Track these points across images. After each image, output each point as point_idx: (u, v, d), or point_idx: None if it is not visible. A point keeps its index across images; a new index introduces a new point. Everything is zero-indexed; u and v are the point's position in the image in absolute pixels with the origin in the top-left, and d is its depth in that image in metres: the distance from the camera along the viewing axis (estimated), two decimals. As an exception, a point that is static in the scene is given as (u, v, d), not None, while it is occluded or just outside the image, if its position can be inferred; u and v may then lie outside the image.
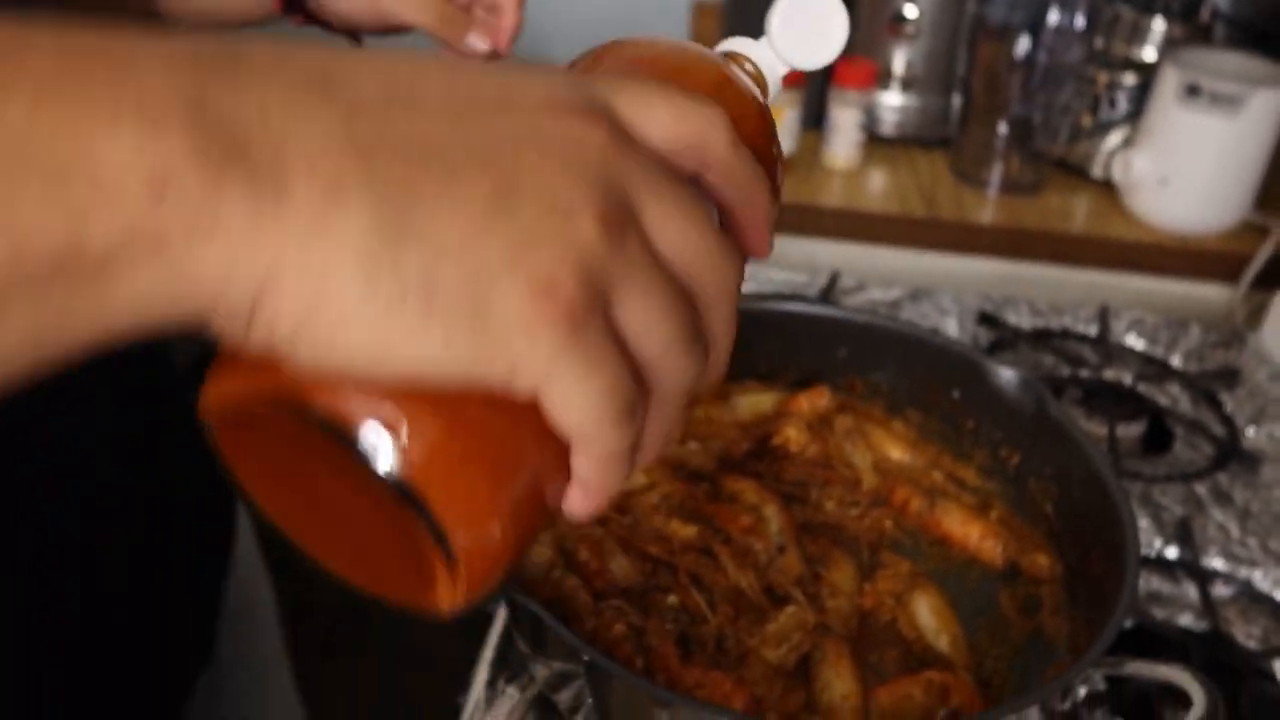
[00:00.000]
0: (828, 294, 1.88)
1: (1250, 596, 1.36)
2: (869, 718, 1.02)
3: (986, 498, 1.36)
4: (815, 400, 1.40)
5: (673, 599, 1.13)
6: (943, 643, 1.12)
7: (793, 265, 2.11)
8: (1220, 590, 1.37)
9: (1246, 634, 1.32)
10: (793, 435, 1.32)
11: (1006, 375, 1.32)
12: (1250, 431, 1.64)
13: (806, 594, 1.15)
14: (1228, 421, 1.67)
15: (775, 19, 0.63)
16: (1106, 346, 1.79)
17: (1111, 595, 1.07)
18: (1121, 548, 1.09)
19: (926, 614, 1.15)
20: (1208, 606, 1.32)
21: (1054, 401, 1.27)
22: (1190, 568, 1.37)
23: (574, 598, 1.08)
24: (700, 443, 1.36)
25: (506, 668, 1.16)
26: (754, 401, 1.44)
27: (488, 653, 1.17)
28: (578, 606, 1.08)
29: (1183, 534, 1.41)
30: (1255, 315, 2.01)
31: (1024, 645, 1.17)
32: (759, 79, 0.62)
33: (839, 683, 1.04)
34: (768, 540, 1.18)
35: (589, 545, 1.15)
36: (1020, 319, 1.88)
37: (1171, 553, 1.41)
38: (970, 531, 1.28)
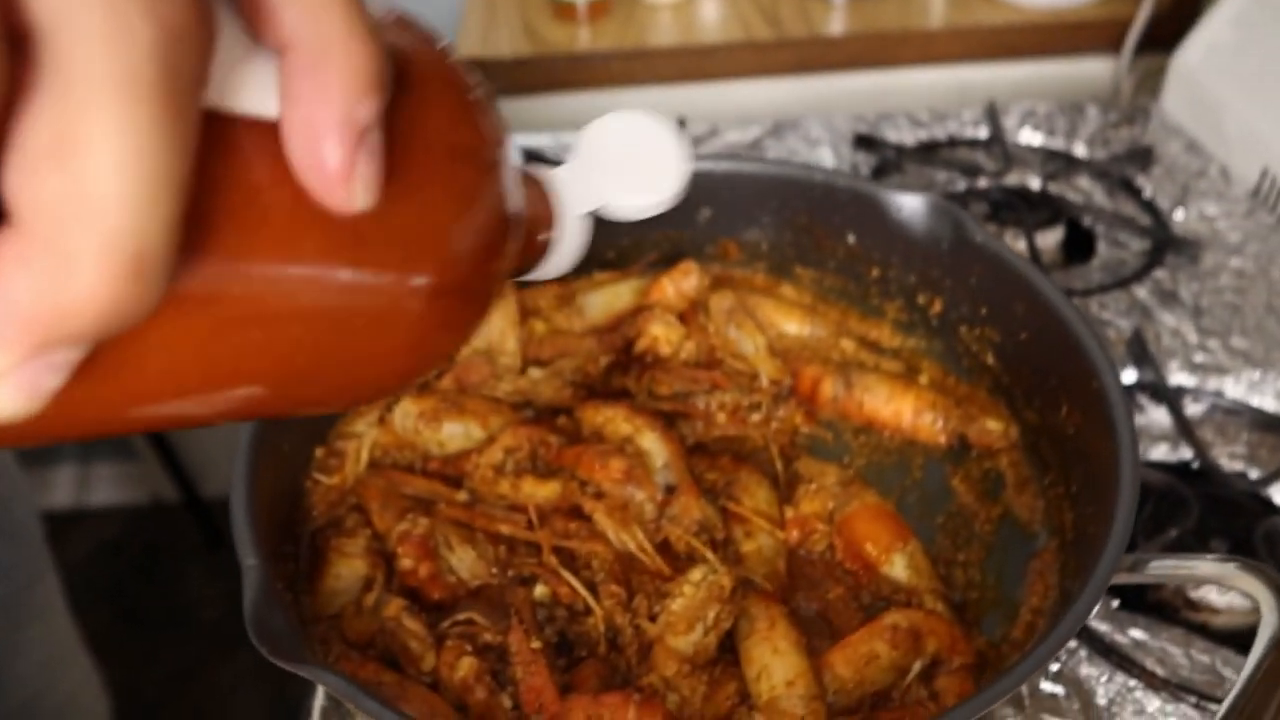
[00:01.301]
0: (675, 147, 1.55)
1: (1224, 410, 1.14)
2: (827, 699, 0.76)
3: (911, 359, 1.09)
4: (681, 281, 1.09)
5: (540, 590, 0.83)
6: (897, 566, 0.86)
7: (629, 122, 1.78)
8: (1190, 409, 1.14)
9: (1230, 454, 1.10)
10: (660, 333, 1.01)
11: (911, 204, 1.03)
12: (1179, 215, 1.41)
13: (714, 543, 0.86)
14: (1151, 208, 1.44)
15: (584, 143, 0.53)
16: (1003, 148, 1.53)
17: (1099, 454, 0.82)
18: (1097, 388, 0.83)
19: (870, 532, 0.88)
20: (1186, 432, 1.09)
21: (975, 224, 1.00)
22: (1155, 390, 1.14)
23: (399, 631, 0.77)
24: (544, 366, 1.04)
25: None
26: (606, 297, 1.12)
27: None
28: (406, 640, 0.77)
29: (1137, 351, 1.17)
30: (1147, 85, 1.77)
31: (994, 539, 0.92)
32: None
33: (779, 663, 0.76)
34: (651, 482, 0.88)
35: (412, 545, 0.83)
36: (901, 134, 1.60)
37: (1129, 376, 1.17)
38: (901, 408, 1.01)
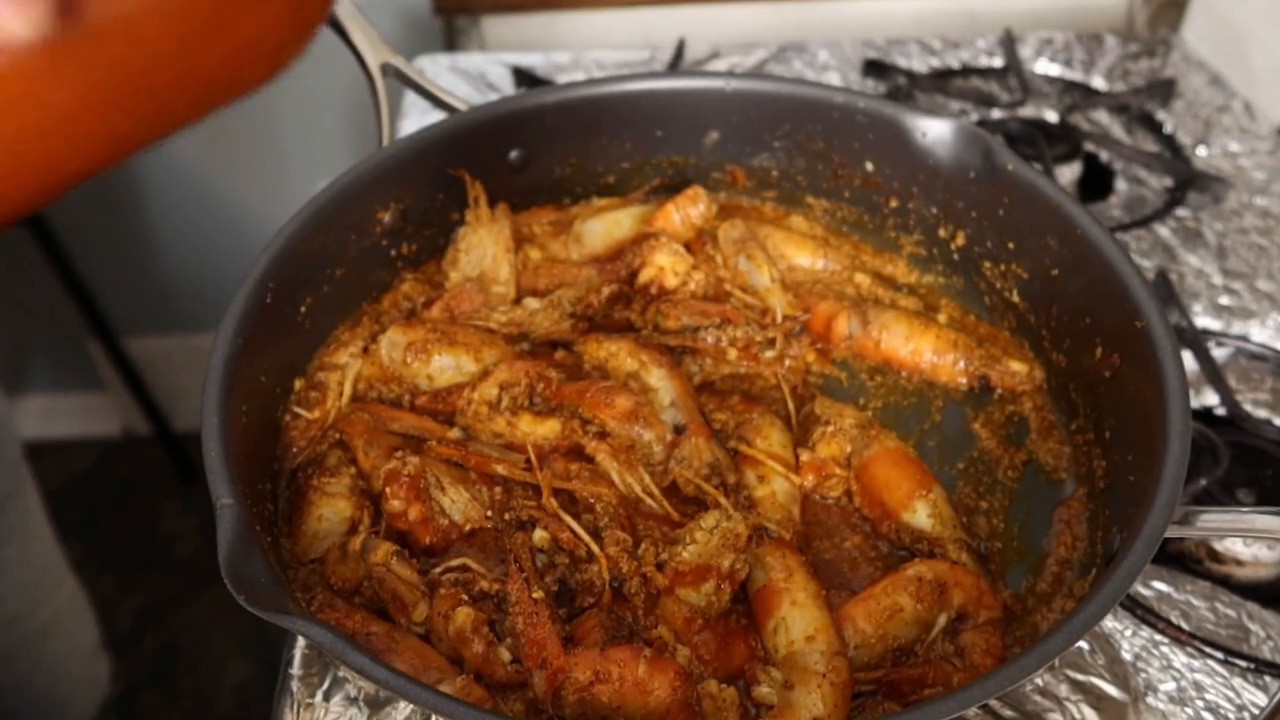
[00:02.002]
0: (674, 68, 1.47)
1: (1250, 355, 1.09)
2: (848, 654, 0.71)
3: (928, 297, 1.03)
4: (688, 208, 1.02)
5: (540, 534, 0.77)
6: (920, 514, 0.81)
7: (625, 42, 1.68)
8: (1215, 353, 1.09)
9: (1254, 400, 1.06)
10: (667, 263, 0.95)
11: (937, 128, 0.96)
12: (1201, 152, 1.35)
13: (725, 487, 0.81)
14: (1172, 144, 1.37)
15: None
16: (1019, 78, 1.45)
17: (1140, 399, 0.76)
18: (1142, 330, 0.77)
19: (891, 477, 0.83)
20: (1215, 378, 1.04)
21: (1006, 151, 0.93)
22: (1181, 333, 1.09)
23: (388, 577, 0.71)
24: (542, 297, 0.98)
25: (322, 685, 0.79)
26: (606, 224, 1.05)
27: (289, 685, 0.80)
28: (396, 587, 0.71)
29: (1163, 293, 1.12)
30: (1163, 16, 1.70)
31: (1018, 487, 0.87)
32: None
33: (798, 616, 0.71)
34: (659, 421, 0.82)
35: (401, 485, 0.77)
36: (912, 62, 1.52)
37: (1151, 319, 1.12)
38: (920, 347, 0.95)
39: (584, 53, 1.52)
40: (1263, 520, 0.62)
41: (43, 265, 2.52)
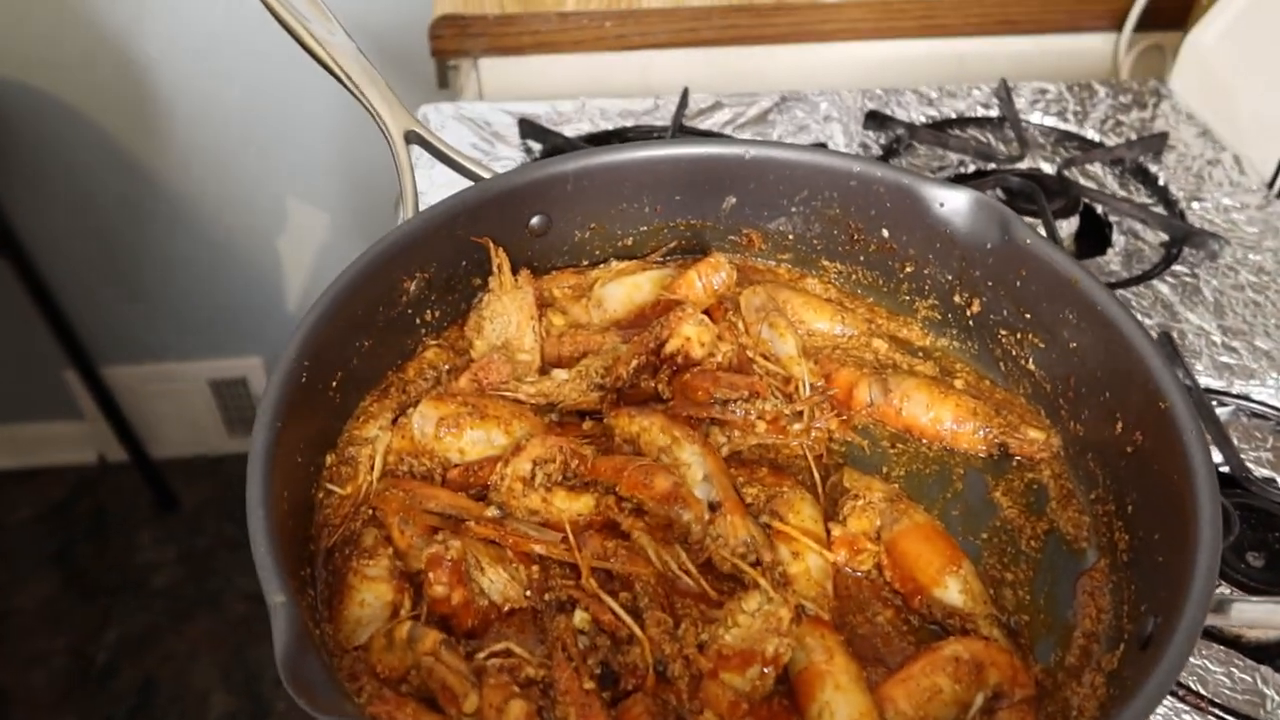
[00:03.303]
0: (680, 121, 1.48)
1: (1251, 414, 1.12)
2: (890, 736, 0.72)
3: (944, 361, 1.05)
4: (711, 275, 1.03)
5: (581, 616, 0.78)
6: (951, 590, 0.82)
7: (624, 84, 1.70)
8: (1218, 412, 1.12)
9: (1257, 460, 1.09)
10: (693, 334, 0.96)
11: (955, 200, 0.98)
12: (1195, 206, 1.39)
13: (759, 564, 0.82)
14: (1166, 198, 1.41)
15: None
16: (1017, 129, 1.48)
17: (1165, 479, 0.79)
18: (1166, 411, 0.79)
19: (921, 552, 0.84)
20: (1222, 440, 1.07)
21: (1022, 225, 0.95)
22: (1189, 394, 1.11)
23: (436, 668, 0.71)
24: (567, 364, 0.98)
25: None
26: (627, 289, 1.06)
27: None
28: (445, 677, 0.71)
29: (1168, 352, 1.14)
30: (1145, 63, 1.74)
31: (1041, 557, 0.89)
32: None
33: (842, 701, 0.72)
34: (696, 501, 0.83)
35: (445, 570, 0.77)
36: (910, 112, 1.54)
37: (1155, 378, 1.15)
38: (940, 415, 0.97)
39: (588, 101, 1.53)
40: (1299, 613, 0.64)
41: (20, 293, 2.48)
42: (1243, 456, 1.08)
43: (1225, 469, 1.07)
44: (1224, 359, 1.17)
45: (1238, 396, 1.13)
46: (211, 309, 2.72)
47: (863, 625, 0.83)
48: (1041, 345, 0.96)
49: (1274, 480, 1.06)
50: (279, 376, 0.79)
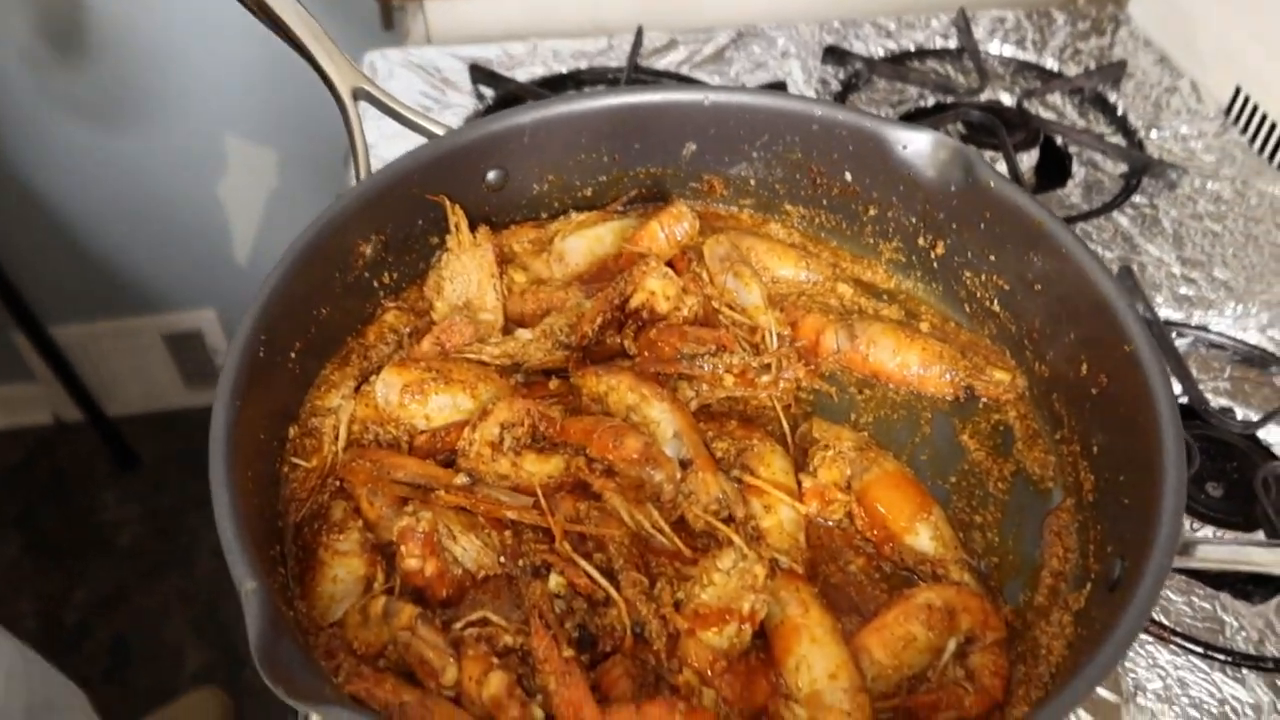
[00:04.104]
0: (635, 62, 1.44)
1: (1209, 345, 1.14)
2: (870, 687, 0.73)
3: (909, 303, 1.05)
4: (673, 226, 1.01)
5: (556, 580, 0.78)
6: (922, 537, 0.83)
7: (576, 28, 1.65)
8: (1177, 343, 1.14)
9: (1215, 390, 1.10)
10: (658, 288, 0.94)
11: (919, 142, 0.97)
12: (1153, 135, 1.38)
13: (732, 519, 0.82)
14: (1124, 127, 1.41)
15: None
16: (976, 61, 1.47)
17: (1131, 423, 0.80)
18: (1130, 355, 0.80)
19: (892, 500, 0.85)
20: (1183, 373, 1.08)
21: (986, 167, 0.94)
22: (1149, 328, 1.12)
23: (414, 642, 0.71)
24: (530, 322, 0.97)
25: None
26: (588, 241, 1.04)
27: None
28: (423, 651, 0.71)
29: (1130, 286, 1.15)
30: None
31: (1009, 499, 0.90)
32: None
33: (818, 654, 0.73)
34: (668, 460, 0.83)
35: (417, 543, 0.77)
36: (869, 45, 1.52)
37: (1116, 311, 1.16)
38: (907, 360, 0.97)
39: (540, 43, 1.48)
40: (1260, 554, 0.66)
41: (-41, 256, 2.40)
42: (1201, 388, 1.09)
43: (1184, 400, 1.09)
44: (1183, 290, 1.18)
45: (1196, 328, 1.14)
46: (158, 261, 2.65)
47: (836, 574, 0.84)
48: (1006, 287, 0.96)
49: (1231, 410, 1.08)
50: (236, 352, 0.77)
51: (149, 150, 2.41)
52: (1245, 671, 0.87)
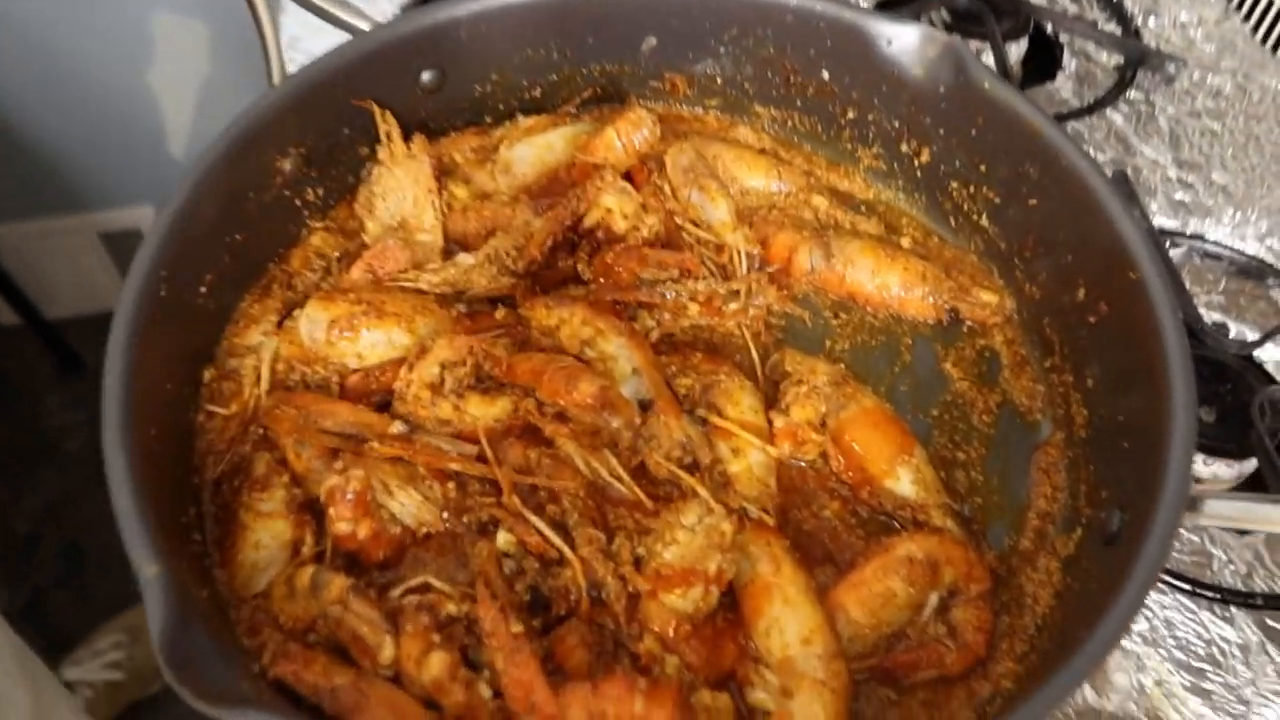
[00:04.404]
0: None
1: (1205, 255, 1.07)
2: (846, 648, 0.68)
3: (889, 215, 0.96)
4: (631, 133, 0.91)
5: (504, 539, 0.71)
6: (903, 481, 0.77)
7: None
8: (1171, 253, 1.07)
9: (1209, 304, 1.04)
10: (614, 205, 0.85)
11: (906, 37, 0.86)
12: (1151, 24, 1.28)
13: (696, 464, 0.75)
14: (1121, 14, 1.30)
15: None
16: (962, -62, 1.34)
17: (1132, 358, 0.73)
18: (1136, 283, 0.72)
19: (871, 441, 0.78)
20: (1177, 287, 1.01)
21: (980, 66, 0.85)
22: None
23: (346, 617, 0.64)
24: (474, 244, 0.87)
25: None
26: (537, 149, 0.93)
27: None
28: (356, 627, 0.64)
29: (1125, 192, 1.07)
30: None
31: (994, 433, 0.84)
32: None
33: (791, 616, 0.67)
34: (626, 404, 0.75)
35: (347, 505, 0.69)
36: (846, -81, 1.38)
37: (1108, 220, 1.08)
38: (887, 281, 0.89)
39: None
40: (1276, 511, 0.60)
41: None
42: (1195, 302, 1.03)
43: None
44: (1179, 196, 1.10)
45: (1192, 237, 1.07)
46: (91, 155, 2.48)
47: (809, 520, 0.77)
48: (997, 200, 0.88)
49: (1225, 326, 1.02)
50: (130, 295, 0.67)
51: (73, 34, 2.22)
52: (1234, 610, 0.83)
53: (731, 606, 0.71)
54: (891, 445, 0.78)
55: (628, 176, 0.91)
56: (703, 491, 0.71)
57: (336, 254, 0.87)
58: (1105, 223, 0.75)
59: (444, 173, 0.92)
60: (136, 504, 0.59)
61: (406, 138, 0.88)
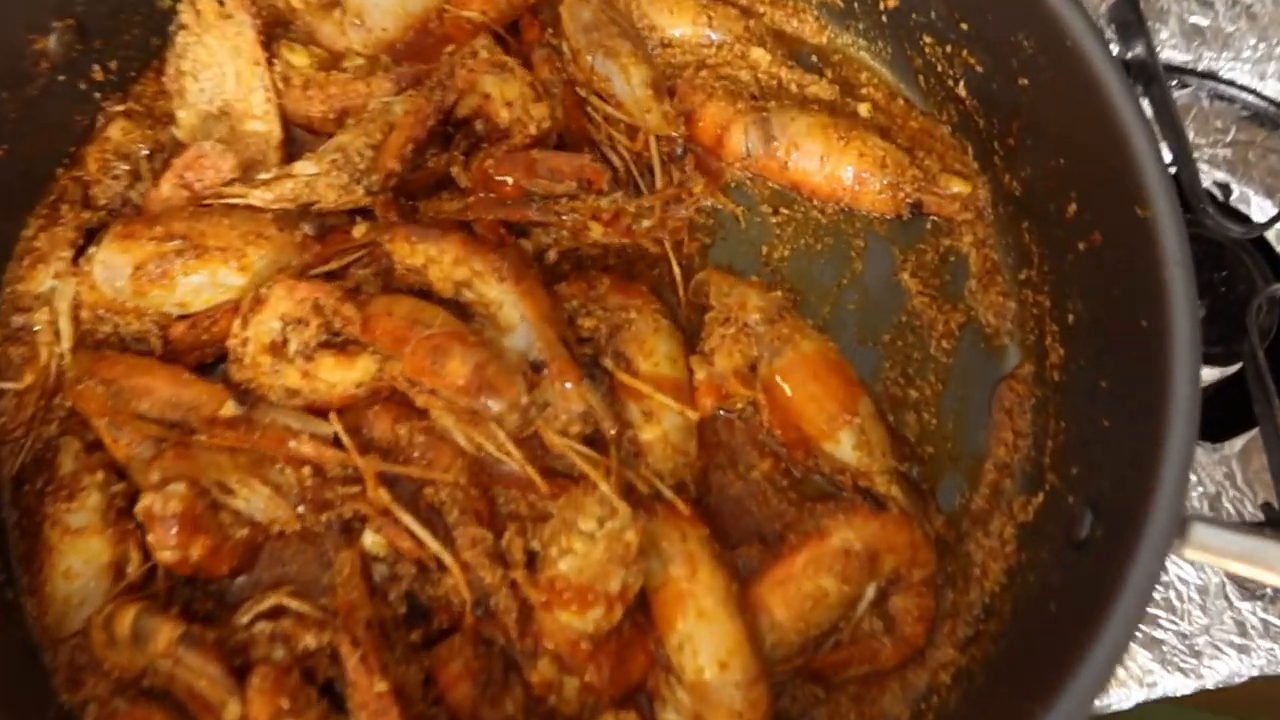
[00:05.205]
0: None
1: (1213, 96, 0.90)
2: (764, 651, 0.60)
3: (845, 68, 0.78)
4: (516, -22, 0.70)
5: (372, 540, 0.60)
6: (844, 445, 0.65)
7: None
8: (1177, 93, 0.90)
9: (1212, 159, 0.89)
10: (495, 92, 0.66)
11: None
12: None
13: (604, 440, 0.62)
14: None
15: None
16: None
17: (1131, 313, 0.60)
18: (1146, 222, 0.58)
19: (809, 397, 0.66)
20: (1176, 137, 0.85)
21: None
22: (1142, 68, 0.87)
23: (179, 672, 0.54)
24: (323, 132, 0.68)
25: None
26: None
27: None
28: (192, 683, 0.54)
29: (1128, 18, 0.88)
30: None
31: (954, 362, 0.71)
32: None
33: (706, 634, 0.58)
34: (510, 382, 0.60)
35: (168, 525, 0.56)
36: None
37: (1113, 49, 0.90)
38: (838, 168, 0.72)
39: None
40: (1275, 552, 0.50)
41: None
42: (1196, 156, 0.88)
43: (1172, 170, 0.87)
44: (1195, 19, 0.91)
45: (1203, 74, 0.90)
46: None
47: (734, 484, 0.67)
48: (979, 68, 0.70)
49: (1229, 186, 0.88)
50: None
51: None
52: (1195, 546, 0.76)
53: (641, 608, 0.61)
54: (833, 401, 0.66)
55: (513, 32, 0.71)
56: (604, 485, 0.59)
57: (145, 149, 0.68)
58: (1114, 136, 0.59)
59: (278, 25, 0.71)
60: None
61: (220, -11, 0.67)
